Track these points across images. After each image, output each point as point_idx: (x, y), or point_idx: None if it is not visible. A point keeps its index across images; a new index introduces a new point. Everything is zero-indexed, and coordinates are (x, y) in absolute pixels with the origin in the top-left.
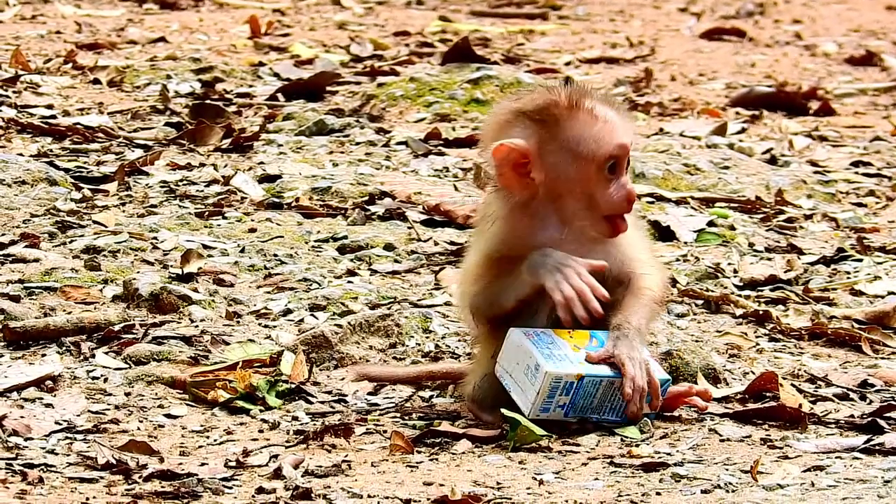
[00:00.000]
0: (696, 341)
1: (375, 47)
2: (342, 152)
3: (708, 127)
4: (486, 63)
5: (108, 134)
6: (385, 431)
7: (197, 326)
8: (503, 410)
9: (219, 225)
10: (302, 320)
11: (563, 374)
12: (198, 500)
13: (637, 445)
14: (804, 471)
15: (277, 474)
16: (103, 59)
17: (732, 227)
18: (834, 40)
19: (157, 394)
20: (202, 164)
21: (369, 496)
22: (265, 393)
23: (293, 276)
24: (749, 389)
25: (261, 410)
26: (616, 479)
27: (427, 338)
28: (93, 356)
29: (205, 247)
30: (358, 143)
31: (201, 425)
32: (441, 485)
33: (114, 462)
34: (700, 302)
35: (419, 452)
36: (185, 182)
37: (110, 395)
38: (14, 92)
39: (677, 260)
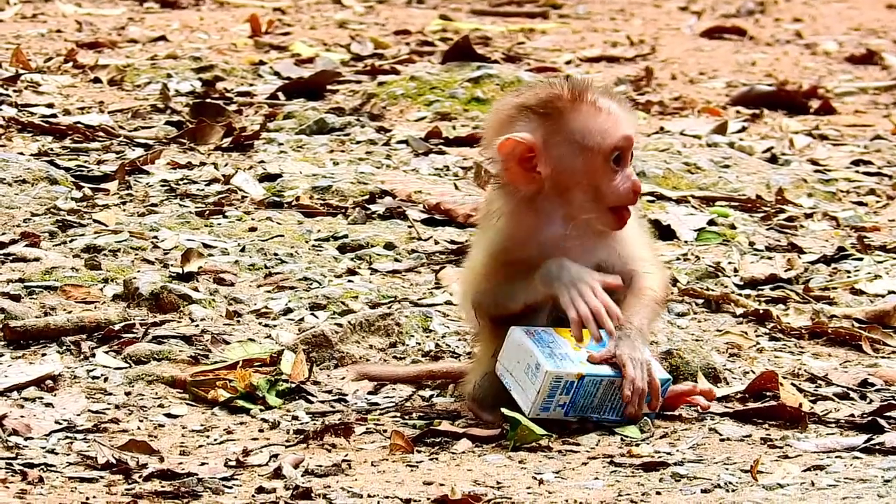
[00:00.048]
0: (697, 340)
1: (376, 46)
2: (343, 151)
3: (708, 126)
4: (487, 62)
5: (108, 133)
6: (385, 431)
7: (197, 326)
8: (503, 410)
9: (219, 224)
10: (302, 319)
11: (564, 374)
12: (198, 500)
13: (637, 445)
14: (804, 470)
15: (277, 474)
16: (104, 57)
17: (733, 226)
18: (834, 39)
19: (157, 393)
20: (202, 163)
21: (369, 496)
22: (265, 392)
23: (293, 276)
24: (749, 389)
25: (261, 410)
26: (616, 479)
27: (427, 337)
28: (93, 355)
29: (205, 246)
30: (358, 142)
31: (201, 425)
32: (441, 484)
33: (114, 462)
34: (700, 301)
35: (419, 452)
36: (185, 181)
37: (110, 394)
38: (14, 91)
39: (678, 259)
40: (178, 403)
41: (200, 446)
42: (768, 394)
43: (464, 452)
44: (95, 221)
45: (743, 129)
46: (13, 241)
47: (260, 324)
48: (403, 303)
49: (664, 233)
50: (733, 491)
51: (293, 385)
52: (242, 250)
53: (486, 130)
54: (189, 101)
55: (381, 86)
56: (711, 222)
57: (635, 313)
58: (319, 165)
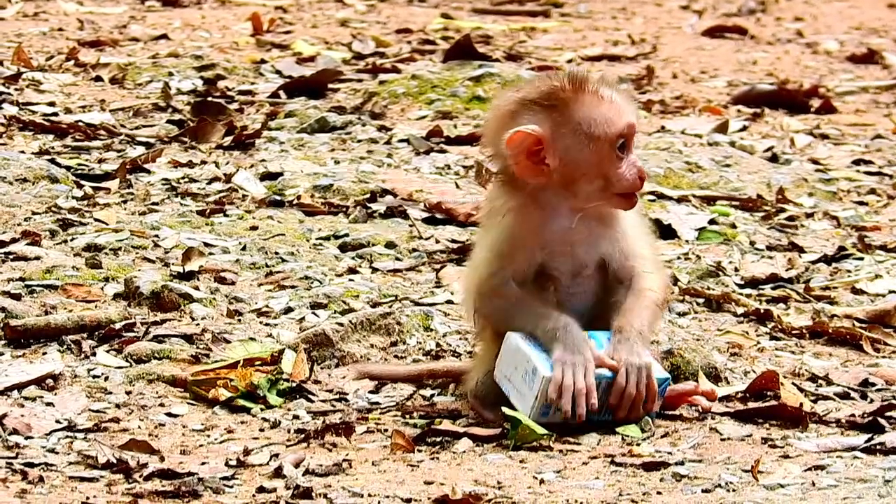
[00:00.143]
0: (697, 340)
1: (377, 44)
2: (344, 150)
3: (709, 125)
4: (488, 60)
5: (109, 131)
6: (386, 430)
7: (198, 325)
8: (504, 409)
9: (220, 223)
10: (303, 318)
11: None
12: (198, 500)
13: (638, 444)
14: (805, 470)
15: (278, 473)
16: (105, 56)
17: (734, 226)
18: (835, 38)
19: (157, 392)
20: (204, 162)
21: (370, 495)
22: (266, 391)
23: (294, 274)
24: (750, 388)
25: (262, 409)
26: (617, 479)
27: (428, 336)
28: (93, 354)
29: (206, 245)
30: (360, 141)
31: (202, 424)
32: (442, 484)
33: (114, 461)
34: (701, 300)
35: (420, 451)
36: (186, 180)
37: (111, 393)
38: (16, 89)
39: (678, 258)
40: (178, 403)
41: (201, 445)
42: (769, 393)
43: (465, 452)
44: (96, 220)
45: (744, 129)
46: (14, 240)
47: (261, 323)
48: (404, 302)
49: (665, 232)
50: (734, 491)
51: (294, 384)
52: (243, 249)
53: (488, 127)
54: (190, 100)
55: (383, 84)
56: (712, 221)
57: (636, 316)
58: (321, 164)
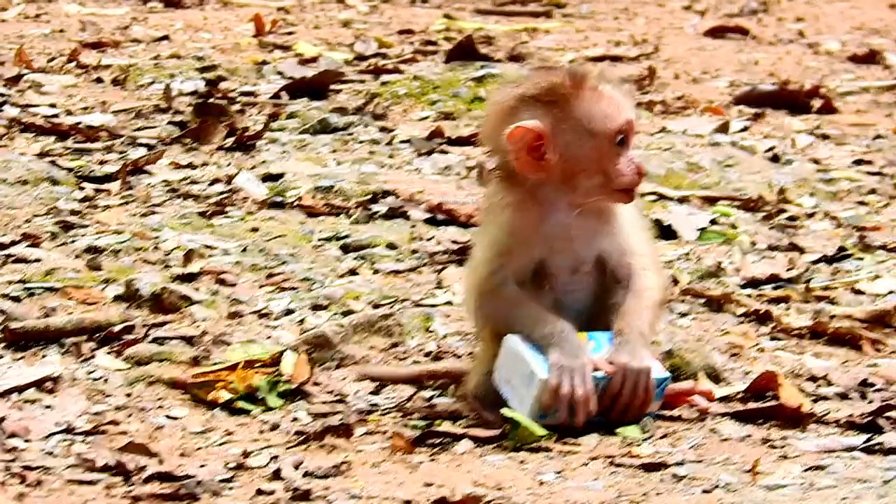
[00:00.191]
0: (698, 340)
1: (379, 45)
2: (346, 151)
3: (711, 125)
4: (490, 61)
5: (111, 133)
6: (386, 432)
7: (198, 326)
8: (503, 410)
9: (221, 224)
10: (303, 320)
11: None
12: (197, 502)
13: (637, 445)
14: (804, 470)
15: (277, 475)
16: (107, 57)
17: (734, 226)
18: (837, 38)
19: (157, 395)
20: (205, 164)
21: (369, 497)
22: (266, 393)
23: (295, 276)
24: (750, 389)
25: (262, 411)
26: (616, 479)
27: (429, 337)
28: (93, 357)
29: (207, 246)
30: (361, 142)
31: (201, 426)
32: (441, 485)
33: (113, 464)
34: (702, 301)
35: (420, 453)
36: (187, 181)
37: (110, 396)
38: (17, 91)
39: (679, 259)
40: (178, 405)
41: (200, 448)
42: (769, 394)
43: (464, 453)
44: (97, 222)
45: (745, 129)
46: (14, 242)
47: (261, 325)
48: (405, 303)
49: (666, 232)
50: (734, 491)
51: (294, 386)
52: (244, 251)
53: (487, 123)
54: (192, 101)
55: (385, 85)
56: (713, 222)
57: (636, 317)
58: (322, 165)
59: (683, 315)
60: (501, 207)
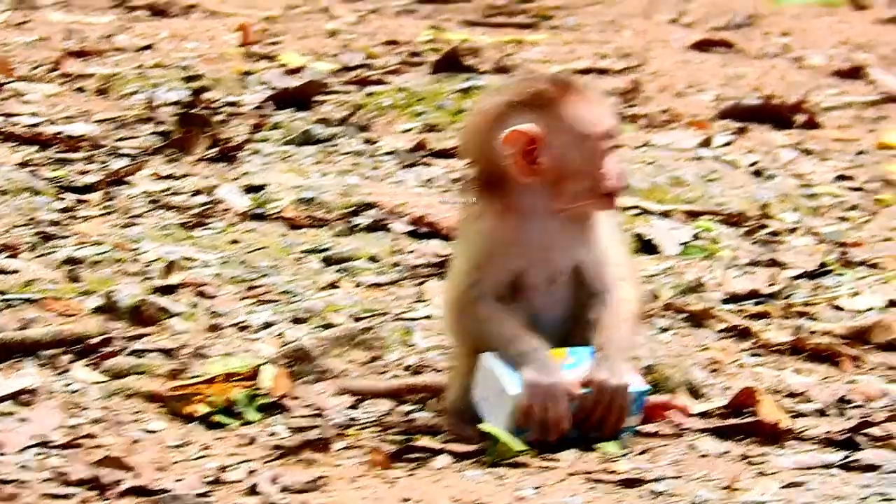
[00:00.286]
0: (678, 356)
1: (366, 56)
2: (329, 162)
3: (695, 139)
4: (476, 73)
5: (92, 143)
6: (364, 446)
7: (177, 339)
8: (481, 425)
9: (202, 236)
10: (283, 333)
11: None
12: None
13: (616, 461)
14: (782, 487)
15: (254, 490)
16: (90, 66)
17: (716, 241)
18: (823, 53)
19: (135, 408)
20: (187, 174)
21: None
22: (244, 407)
23: (276, 288)
24: (729, 405)
25: (240, 425)
26: (595, 495)
27: (409, 351)
28: (71, 370)
29: (187, 258)
30: (345, 154)
31: (179, 440)
32: (419, 500)
33: (88, 478)
34: (682, 316)
35: (398, 468)
36: (169, 192)
37: (87, 409)
38: None
39: (661, 273)
40: (156, 418)
41: (177, 462)
42: (748, 410)
43: (442, 468)
44: (77, 233)
45: (729, 143)
46: None
47: (240, 338)
48: (385, 317)
49: (648, 247)
50: None
51: (272, 400)
52: (225, 263)
53: (470, 131)
54: (176, 111)
55: (370, 96)
56: (696, 237)
57: (615, 331)
58: (305, 177)
59: (664, 330)
60: (479, 218)
